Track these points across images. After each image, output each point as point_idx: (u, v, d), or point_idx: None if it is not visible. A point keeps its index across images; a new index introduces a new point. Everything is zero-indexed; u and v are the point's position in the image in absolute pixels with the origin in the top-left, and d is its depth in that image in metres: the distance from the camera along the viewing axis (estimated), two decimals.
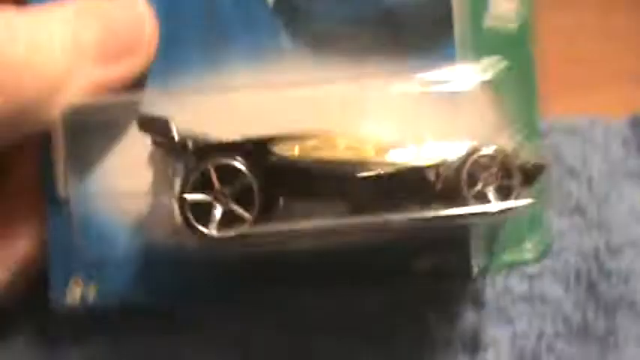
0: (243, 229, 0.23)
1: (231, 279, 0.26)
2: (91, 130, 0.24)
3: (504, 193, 0.24)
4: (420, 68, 0.24)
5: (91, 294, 0.25)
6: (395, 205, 0.24)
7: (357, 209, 0.24)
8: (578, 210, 0.32)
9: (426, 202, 0.24)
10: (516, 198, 0.24)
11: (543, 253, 0.27)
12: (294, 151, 0.24)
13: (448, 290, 0.30)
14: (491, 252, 0.26)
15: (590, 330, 0.30)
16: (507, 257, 0.27)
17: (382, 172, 0.24)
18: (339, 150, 0.24)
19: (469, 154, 0.24)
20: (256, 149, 0.23)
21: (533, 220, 0.26)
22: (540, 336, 0.30)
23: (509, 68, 0.25)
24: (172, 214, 0.23)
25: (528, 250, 0.27)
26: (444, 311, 0.30)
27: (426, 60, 0.24)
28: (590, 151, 0.32)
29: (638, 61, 0.38)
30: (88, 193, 0.24)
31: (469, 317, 0.30)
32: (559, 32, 0.35)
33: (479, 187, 0.24)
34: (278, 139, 0.24)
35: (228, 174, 0.23)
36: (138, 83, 0.24)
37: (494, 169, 0.24)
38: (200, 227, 0.23)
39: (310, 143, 0.24)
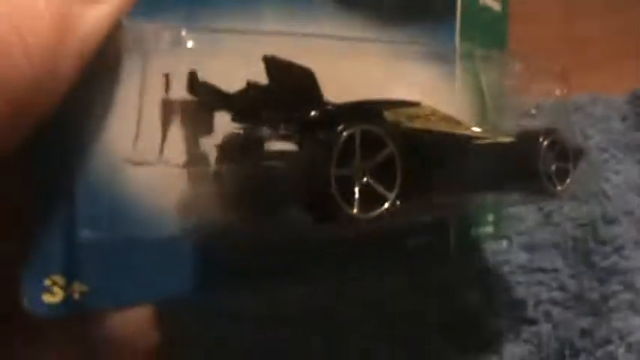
0: (387, 208, 0.19)
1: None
2: None
3: (562, 175, 0.24)
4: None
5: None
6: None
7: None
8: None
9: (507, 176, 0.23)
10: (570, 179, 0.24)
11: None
12: (402, 119, 0.20)
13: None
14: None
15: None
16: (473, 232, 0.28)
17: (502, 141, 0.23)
18: (436, 122, 0.21)
19: (545, 135, 0.24)
20: (375, 116, 0.19)
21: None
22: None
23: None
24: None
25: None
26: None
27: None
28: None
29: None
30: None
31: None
32: None
33: (546, 166, 0.24)
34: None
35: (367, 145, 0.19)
36: None
37: (553, 152, 0.24)
38: (346, 208, 0.18)
39: (405, 112, 0.21)
